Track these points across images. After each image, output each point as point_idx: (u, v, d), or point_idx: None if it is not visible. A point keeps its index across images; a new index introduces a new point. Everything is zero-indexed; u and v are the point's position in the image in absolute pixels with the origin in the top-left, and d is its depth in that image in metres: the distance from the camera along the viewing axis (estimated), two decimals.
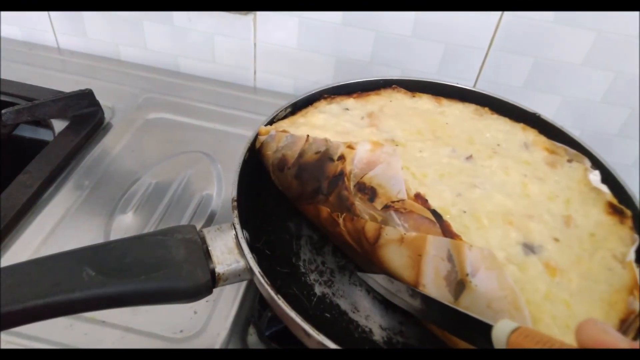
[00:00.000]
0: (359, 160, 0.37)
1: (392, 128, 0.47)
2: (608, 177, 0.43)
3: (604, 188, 0.42)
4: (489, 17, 0.59)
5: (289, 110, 0.48)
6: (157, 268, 0.31)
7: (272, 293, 0.32)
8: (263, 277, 0.32)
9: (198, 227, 0.44)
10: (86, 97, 0.59)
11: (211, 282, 0.32)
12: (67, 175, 0.53)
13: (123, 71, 0.69)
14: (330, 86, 0.50)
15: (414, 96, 0.52)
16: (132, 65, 0.71)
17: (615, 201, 0.41)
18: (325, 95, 0.50)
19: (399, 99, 0.51)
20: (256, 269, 0.33)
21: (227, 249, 0.34)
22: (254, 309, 0.44)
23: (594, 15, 0.57)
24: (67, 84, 0.63)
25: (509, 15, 0.59)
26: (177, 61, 0.70)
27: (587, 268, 0.36)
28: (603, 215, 0.41)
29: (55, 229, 0.48)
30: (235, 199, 0.38)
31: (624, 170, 0.68)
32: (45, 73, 0.67)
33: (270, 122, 0.46)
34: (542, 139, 0.48)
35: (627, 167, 0.69)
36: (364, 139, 0.45)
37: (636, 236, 0.38)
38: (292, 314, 0.31)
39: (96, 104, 0.60)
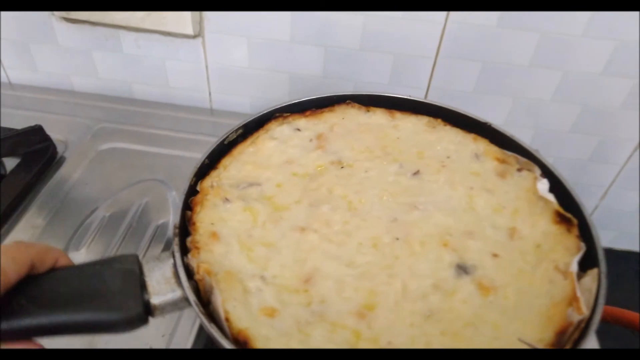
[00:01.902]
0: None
1: (340, 148, 0.48)
2: (557, 185, 0.43)
3: (551, 197, 0.42)
4: (434, 26, 0.61)
5: (240, 131, 0.48)
6: (89, 299, 0.32)
7: (206, 322, 0.32)
8: (198, 306, 0.33)
9: (156, 255, 0.44)
10: (36, 133, 0.59)
11: (144, 313, 0.33)
12: (19, 214, 0.53)
13: (76, 102, 0.70)
14: (283, 105, 0.51)
15: (368, 111, 0.52)
16: (85, 96, 0.71)
17: (561, 210, 0.41)
18: (277, 115, 0.50)
19: (353, 115, 0.52)
20: (192, 298, 0.33)
21: (164, 279, 0.34)
22: (212, 343, 0.44)
23: (537, 16, 0.58)
24: (20, 120, 0.62)
25: (452, 23, 0.60)
26: (131, 88, 0.71)
27: (528, 282, 0.36)
28: (550, 225, 0.41)
29: None
30: (178, 226, 0.38)
31: (581, 165, 0.72)
32: None
33: (221, 144, 0.46)
34: (494, 149, 0.48)
35: (583, 162, 0.71)
36: (310, 164, 0.46)
37: (582, 245, 0.38)
38: (224, 342, 0.31)
39: (47, 139, 0.60)
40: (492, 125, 0.49)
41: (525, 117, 0.68)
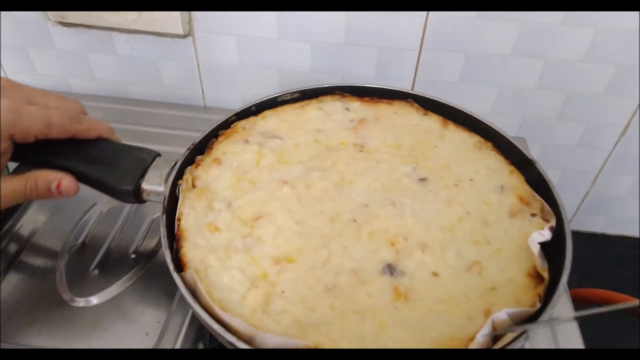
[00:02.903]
0: None
1: (371, 136, 0.50)
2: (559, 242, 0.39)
3: (535, 248, 0.38)
4: (416, 20, 0.61)
5: (296, 95, 0.54)
6: (106, 165, 0.43)
7: (161, 213, 0.40)
8: (165, 200, 0.41)
9: (150, 247, 0.52)
10: None
11: (133, 191, 0.42)
12: (22, 211, 0.57)
13: None
14: (346, 85, 0.54)
15: (425, 114, 0.53)
16: (83, 97, 0.73)
17: (538, 265, 0.37)
18: (337, 92, 0.54)
19: (407, 113, 0.53)
20: (165, 193, 0.41)
21: (159, 175, 0.43)
22: (203, 329, 0.48)
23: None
24: None
25: (433, 15, 0.60)
26: (126, 88, 0.75)
27: (448, 310, 0.35)
28: (521, 275, 0.38)
29: (10, 266, 0.51)
30: (195, 144, 0.46)
31: (569, 151, 0.72)
32: None
33: (274, 100, 0.53)
34: (524, 187, 0.45)
35: (572, 148, 0.72)
36: (335, 138, 0.49)
37: (538, 304, 0.35)
38: (163, 230, 0.39)
39: None
40: (536, 164, 0.45)
41: (511, 105, 0.68)
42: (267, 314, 0.35)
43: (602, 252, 0.78)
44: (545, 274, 0.36)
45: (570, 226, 0.77)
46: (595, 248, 0.78)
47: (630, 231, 0.80)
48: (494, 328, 0.33)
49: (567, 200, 0.77)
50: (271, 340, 0.32)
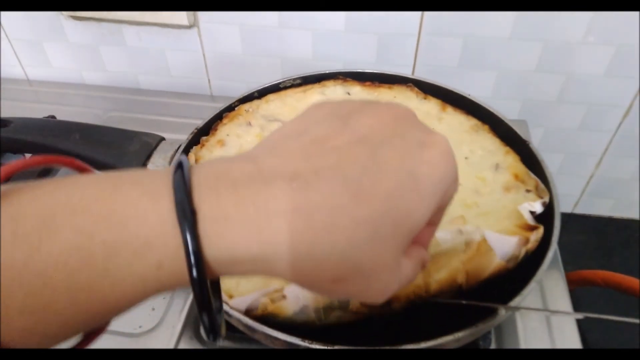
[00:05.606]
0: None
1: None
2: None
3: (525, 213, 0.40)
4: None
5: (298, 81, 0.56)
6: (114, 149, 0.46)
7: None
8: None
9: None
10: None
11: None
12: None
13: (87, 94, 0.77)
14: (348, 70, 0.56)
15: (424, 98, 0.54)
16: (95, 88, 0.78)
17: (528, 220, 0.39)
18: (340, 77, 0.56)
19: (406, 97, 0.54)
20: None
21: (164, 157, 0.46)
22: None
23: None
24: (39, 113, 0.67)
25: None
26: (136, 79, 0.78)
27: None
28: (512, 226, 0.40)
29: None
30: (198, 128, 0.49)
31: (572, 134, 0.73)
32: (18, 105, 0.74)
33: (276, 86, 0.55)
34: (519, 166, 0.46)
35: (574, 131, 0.72)
36: None
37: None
38: None
39: None
40: (530, 145, 0.46)
41: (511, 89, 0.69)
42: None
43: (607, 235, 0.79)
44: (540, 227, 0.38)
45: (576, 210, 0.79)
46: (601, 231, 0.79)
47: (636, 214, 0.80)
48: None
49: (572, 184, 0.78)
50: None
